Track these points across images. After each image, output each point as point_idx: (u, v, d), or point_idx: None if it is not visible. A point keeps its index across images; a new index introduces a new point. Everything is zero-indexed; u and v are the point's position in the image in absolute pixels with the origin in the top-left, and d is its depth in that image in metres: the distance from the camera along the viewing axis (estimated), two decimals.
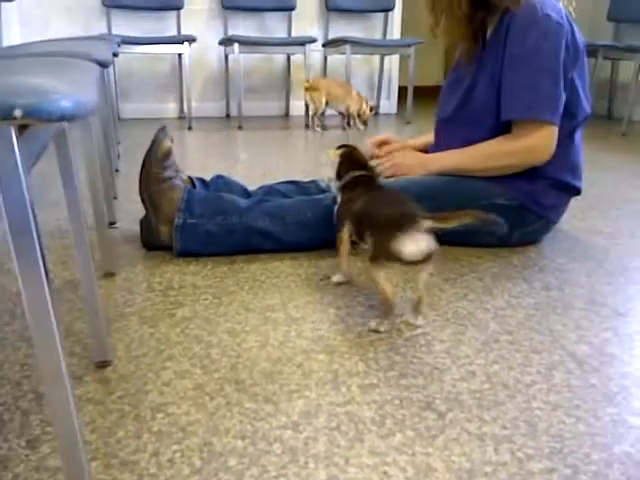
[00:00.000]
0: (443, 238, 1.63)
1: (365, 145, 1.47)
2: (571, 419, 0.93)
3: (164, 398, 0.97)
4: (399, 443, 0.87)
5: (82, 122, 1.51)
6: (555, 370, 1.07)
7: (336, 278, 1.43)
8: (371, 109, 4.12)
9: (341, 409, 0.94)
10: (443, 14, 1.57)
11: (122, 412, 0.93)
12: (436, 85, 5.17)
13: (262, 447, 0.86)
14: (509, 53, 1.52)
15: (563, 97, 1.50)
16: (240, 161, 2.94)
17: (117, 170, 2.57)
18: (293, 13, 4.50)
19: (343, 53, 4.20)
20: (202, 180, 1.78)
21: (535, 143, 1.53)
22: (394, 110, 4.99)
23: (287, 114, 4.73)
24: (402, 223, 1.14)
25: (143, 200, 1.62)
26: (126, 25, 4.20)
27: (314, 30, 4.60)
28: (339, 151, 1.46)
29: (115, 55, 2.06)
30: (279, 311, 1.28)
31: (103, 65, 1.42)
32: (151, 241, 1.62)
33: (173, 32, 4.32)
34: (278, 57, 4.62)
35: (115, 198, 2.11)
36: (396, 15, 4.78)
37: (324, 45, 4.52)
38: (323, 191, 1.75)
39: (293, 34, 4.54)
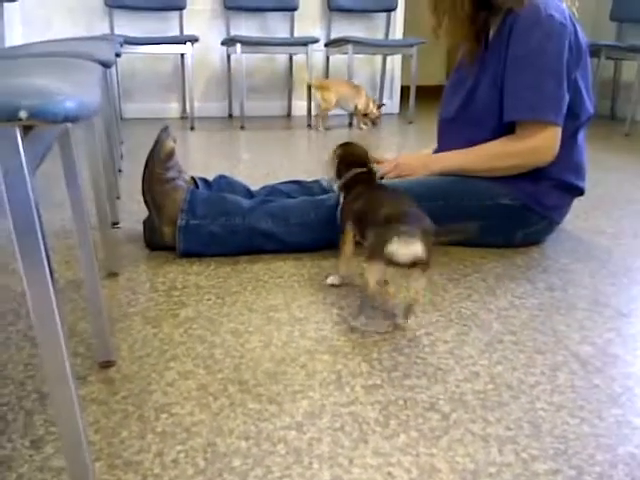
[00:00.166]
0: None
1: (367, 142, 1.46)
2: (575, 420, 0.93)
3: (168, 398, 0.97)
4: (403, 444, 0.86)
5: (85, 122, 1.51)
6: (559, 371, 1.06)
7: (330, 280, 1.42)
8: (379, 107, 4.13)
9: (345, 410, 0.94)
10: (445, 15, 1.56)
11: (126, 412, 0.93)
12: (438, 85, 5.16)
13: (266, 448, 0.86)
14: (512, 54, 1.51)
15: (567, 98, 1.50)
16: (243, 161, 2.94)
17: (120, 170, 2.57)
18: (295, 13, 4.50)
19: (345, 53, 4.20)
20: (205, 180, 1.78)
21: (539, 144, 1.53)
22: (396, 110, 4.98)
23: (289, 114, 4.73)
24: (398, 225, 1.13)
25: (146, 201, 1.62)
26: (128, 25, 4.21)
27: (316, 30, 4.60)
28: (338, 150, 1.45)
29: (118, 55, 2.06)
30: (282, 311, 1.28)
31: (106, 65, 1.42)
32: (154, 241, 1.63)
33: (175, 32, 4.33)
34: (280, 57, 4.62)
35: (118, 198, 2.11)
36: (398, 15, 4.78)
37: (326, 45, 4.51)
38: (326, 191, 1.75)
39: (295, 34, 4.54)
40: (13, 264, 1.53)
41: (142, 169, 1.63)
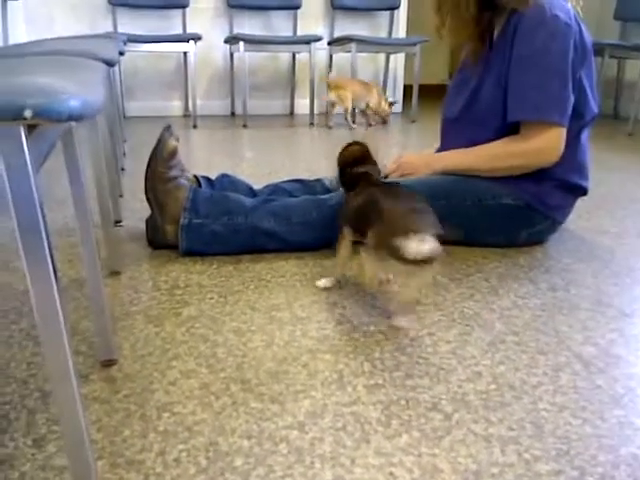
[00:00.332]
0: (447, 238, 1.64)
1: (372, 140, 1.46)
2: (577, 421, 0.92)
3: (170, 397, 0.97)
4: (405, 444, 0.86)
5: (89, 120, 1.51)
6: (561, 371, 1.06)
7: (322, 283, 1.40)
8: (390, 105, 4.15)
9: (347, 409, 0.94)
10: (449, 15, 1.56)
11: (128, 411, 0.93)
12: (441, 84, 5.16)
13: (268, 447, 0.86)
14: (516, 53, 1.51)
15: (572, 98, 1.50)
16: (245, 159, 2.94)
17: (123, 168, 2.57)
18: (298, 11, 4.50)
19: (348, 51, 4.20)
20: (208, 179, 1.78)
21: (543, 145, 1.53)
22: (399, 109, 4.98)
23: (292, 112, 4.73)
24: (413, 221, 1.12)
25: (149, 199, 1.62)
26: (131, 23, 4.21)
27: (319, 28, 4.60)
28: (342, 151, 1.44)
29: (121, 54, 2.06)
30: (285, 310, 1.28)
31: (109, 64, 1.42)
32: (157, 240, 1.63)
33: (178, 30, 4.33)
34: (283, 55, 4.62)
35: (121, 196, 2.11)
36: (402, 13, 4.78)
37: (329, 43, 4.51)
38: (328, 190, 1.75)
39: (298, 32, 4.54)
40: (15, 262, 1.53)
41: (145, 167, 1.63)
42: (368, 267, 1.16)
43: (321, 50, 4.44)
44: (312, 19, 4.59)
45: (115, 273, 1.47)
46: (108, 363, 1.06)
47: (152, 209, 1.62)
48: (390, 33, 4.78)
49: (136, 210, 1.95)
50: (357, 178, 1.38)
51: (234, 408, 0.94)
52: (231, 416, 0.92)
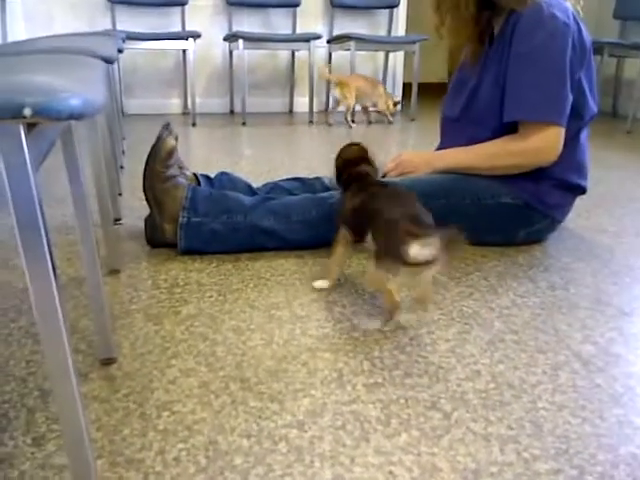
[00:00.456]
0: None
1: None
2: (577, 420, 0.93)
3: (169, 396, 0.97)
4: (405, 443, 0.87)
5: (88, 119, 1.51)
6: (560, 370, 1.06)
7: (318, 284, 1.39)
8: (395, 104, 4.15)
9: (346, 408, 0.94)
10: (449, 15, 1.56)
11: (127, 410, 0.93)
12: (441, 82, 5.15)
13: (267, 446, 0.86)
14: (515, 52, 1.51)
15: (570, 98, 1.49)
16: (244, 157, 2.93)
17: (122, 166, 2.57)
18: (298, 9, 4.50)
19: (348, 49, 4.19)
20: (207, 177, 1.78)
21: (542, 144, 1.52)
22: (398, 107, 4.97)
23: (291, 110, 4.73)
24: (411, 226, 1.12)
25: (147, 198, 1.62)
26: (130, 21, 4.20)
27: (319, 26, 4.59)
28: (339, 152, 1.44)
29: (120, 51, 2.05)
30: (284, 309, 1.28)
31: (108, 61, 1.42)
32: (156, 239, 1.62)
33: (177, 28, 4.32)
34: (282, 53, 4.62)
35: (120, 194, 2.11)
36: (401, 12, 4.77)
37: (329, 41, 4.51)
38: (328, 188, 1.75)
39: (298, 30, 4.53)
40: (14, 260, 1.53)
41: (143, 166, 1.62)
42: (386, 282, 1.16)
43: (320, 48, 4.43)
44: (311, 17, 4.59)
45: (114, 271, 1.47)
46: (107, 361, 1.06)
47: (151, 208, 1.62)
48: (389, 31, 4.78)
49: (135, 208, 1.95)
50: (355, 178, 1.38)
51: (233, 407, 0.94)
52: (230, 415, 0.92)
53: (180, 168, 1.67)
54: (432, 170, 1.63)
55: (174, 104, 4.52)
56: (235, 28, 4.35)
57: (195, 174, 1.74)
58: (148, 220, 1.64)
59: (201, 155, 3.02)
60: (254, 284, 1.41)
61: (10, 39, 3.63)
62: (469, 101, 1.64)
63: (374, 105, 4.10)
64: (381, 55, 4.84)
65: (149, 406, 0.94)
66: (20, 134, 0.59)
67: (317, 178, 1.85)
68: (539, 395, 0.99)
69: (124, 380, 1.01)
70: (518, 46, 1.50)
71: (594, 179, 1.81)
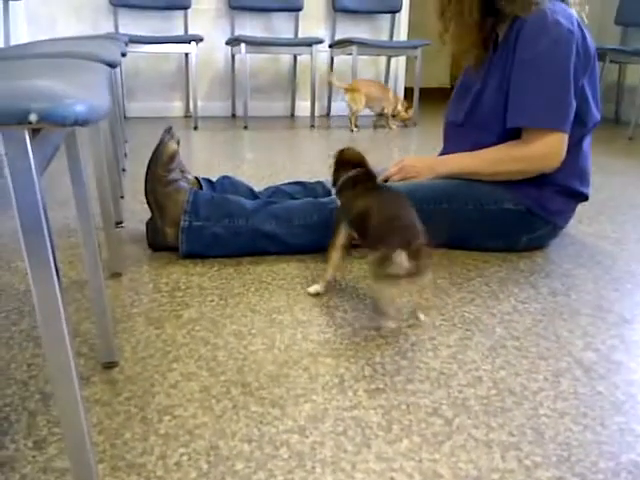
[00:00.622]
0: (448, 243, 1.64)
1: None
2: (578, 427, 0.92)
3: (171, 400, 0.97)
4: (406, 449, 0.86)
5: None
6: (562, 377, 1.06)
7: (313, 289, 1.39)
8: (407, 109, 4.16)
9: (348, 414, 0.94)
10: (453, 21, 1.56)
11: (129, 414, 0.93)
12: (442, 87, 5.16)
13: (269, 451, 0.86)
14: (518, 58, 1.51)
15: (574, 104, 1.50)
16: (246, 161, 2.94)
17: (124, 169, 2.57)
18: (300, 13, 4.50)
19: (350, 54, 4.20)
20: (209, 181, 1.78)
21: (545, 150, 1.53)
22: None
23: (293, 114, 4.73)
24: (399, 239, 1.13)
25: (149, 202, 1.62)
26: (133, 24, 4.21)
27: (321, 31, 4.60)
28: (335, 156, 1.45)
29: (123, 55, 2.06)
30: (285, 313, 1.28)
31: (112, 65, 1.42)
32: (157, 242, 1.63)
33: (180, 32, 4.33)
34: (284, 57, 4.62)
35: (122, 197, 2.11)
36: (403, 16, 4.78)
37: (331, 46, 4.51)
38: (329, 192, 1.75)
39: (300, 35, 4.54)
40: (16, 262, 1.53)
41: (145, 169, 1.63)
42: (384, 293, 1.18)
43: (322, 52, 4.44)
44: (313, 21, 4.59)
45: (116, 275, 1.47)
46: (109, 365, 1.06)
47: (152, 211, 1.62)
48: (391, 36, 4.78)
49: (137, 211, 1.95)
50: (351, 182, 1.38)
51: (235, 412, 0.94)
52: (232, 420, 0.92)
53: (182, 172, 1.67)
54: (435, 175, 1.64)
55: (176, 107, 4.52)
56: (237, 32, 4.36)
57: (197, 178, 1.74)
58: (150, 224, 1.64)
59: (203, 159, 3.03)
60: (255, 288, 1.41)
61: (13, 42, 3.63)
62: (473, 106, 1.65)
63: (382, 110, 4.11)
64: (383, 60, 4.85)
65: (150, 410, 0.94)
66: (25, 139, 0.59)
67: (318, 182, 1.85)
68: (540, 402, 0.99)
69: (125, 384, 1.01)
70: (522, 52, 1.50)
71: (596, 185, 1.81)
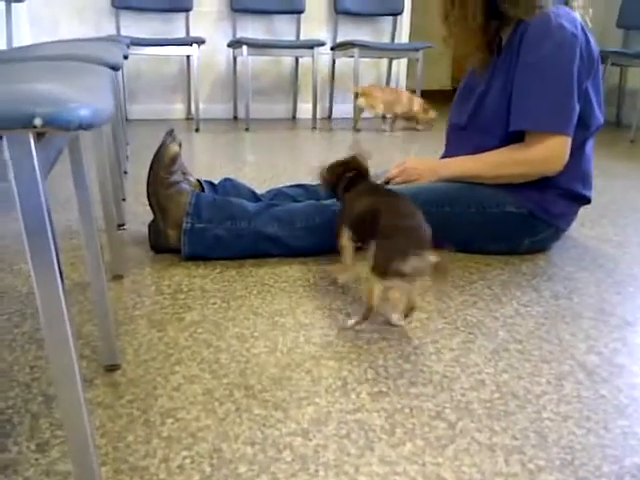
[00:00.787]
0: (451, 246, 1.64)
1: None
2: (582, 430, 0.92)
3: (173, 403, 0.97)
4: (409, 452, 0.86)
5: None
6: (565, 380, 1.06)
7: (342, 279, 1.44)
8: (426, 110, 4.16)
9: (351, 417, 0.94)
10: (457, 25, 1.56)
11: (131, 417, 0.93)
12: (444, 89, 5.16)
13: (272, 454, 0.85)
14: (522, 62, 1.51)
15: (577, 108, 1.49)
16: (247, 163, 2.94)
17: (125, 172, 2.58)
18: (302, 16, 4.51)
19: (351, 56, 4.21)
20: (211, 183, 1.78)
21: (548, 154, 1.53)
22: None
23: (294, 117, 4.73)
24: (408, 240, 1.14)
25: (151, 204, 1.62)
26: (135, 26, 4.22)
27: (322, 33, 4.60)
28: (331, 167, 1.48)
29: (125, 57, 2.06)
30: (288, 316, 1.28)
31: (114, 68, 1.42)
32: (159, 244, 1.63)
33: (182, 34, 4.33)
34: (286, 60, 4.63)
35: (124, 200, 2.11)
36: (405, 19, 4.78)
37: (332, 48, 4.52)
38: (331, 195, 1.75)
39: (302, 37, 4.54)
40: (19, 264, 1.53)
41: (147, 172, 1.63)
42: (376, 290, 1.18)
43: (324, 55, 4.45)
44: (315, 24, 4.60)
45: (118, 277, 1.47)
46: (111, 368, 1.06)
47: (154, 213, 1.63)
48: (393, 38, 4.79)
49: (139, 214, 1.95)
50: (349, 184, 1.40)
51: (237, 414, 0.94)
52: (235, 422, 0.92)
53: (184, 174, 1.67)
54: (437, 178, 1.64)
55: (178, 110, 4.53)
56: (239, 34, 4.37)
57: (199, 180, 1.75)
58: (152, 226, 1.65)
59: (204, 161, 3.03)
60: (258, 291, 1.41)
61: (15, 43, 3.64)
62: (476, 109, 1.64)
63: (397, 114, 4.12)
64: (384, 62, 4.85)
65: (153, 413, 0.94)
66: (30, 143, 0.59)
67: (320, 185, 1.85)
68: (544, 405, 0.99)
69: (128, 386, 1.01)
70: (525, 56, 1.50)
71: (598, 188, 1.81)
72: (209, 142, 3.58)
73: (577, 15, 1.53)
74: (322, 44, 4.14)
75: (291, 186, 1.87)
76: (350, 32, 4.62)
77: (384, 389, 1.02)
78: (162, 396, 0.99)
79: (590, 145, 1.63)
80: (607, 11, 4.63)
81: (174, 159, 1.63)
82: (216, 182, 1.80)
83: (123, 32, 4.16)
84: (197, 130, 3.89)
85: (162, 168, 1.61)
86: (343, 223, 1.36)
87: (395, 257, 1.11)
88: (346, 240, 1.35)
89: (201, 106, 4.09)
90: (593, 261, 1.66)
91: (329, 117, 4.77)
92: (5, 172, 0.60)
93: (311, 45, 4.11)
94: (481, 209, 1.59)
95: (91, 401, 0.96)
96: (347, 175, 1.42)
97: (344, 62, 4.54)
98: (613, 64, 4.12)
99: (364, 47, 4.17)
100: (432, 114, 4.20)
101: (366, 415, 0.95)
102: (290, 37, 4.55)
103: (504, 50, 1.59)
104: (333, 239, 1.51)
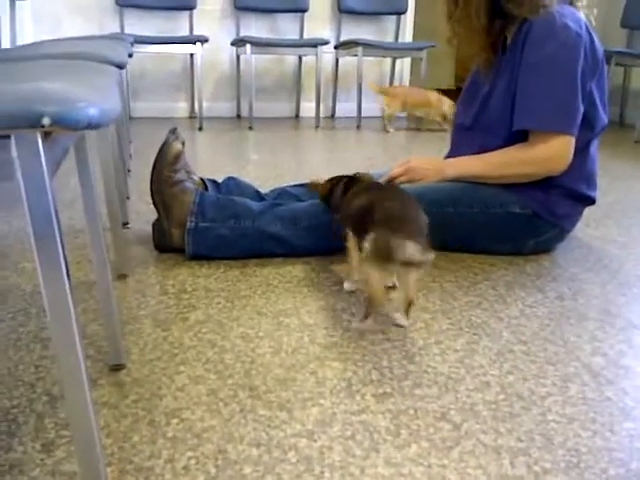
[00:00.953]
0: (455, 246, 1.64)
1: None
2: (587, 433, 0.92)
3: (178, 403, 0.97)
4: (415, 454, 0.86)
5: None
6: (570, 382, 1.06)
7: (348, 285, 1.42)
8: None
9: (356, 418, 0.94)
10: (461, 25, 1.56)
11: (137, 417, 0.93)
12: (447, 89, 5.15)
13: (277, 455, 0.85)
14: (526, 61, 1.50)
15: (581, 108, 1.49)
16: (251, 162, 2.94)
17: (129, 170, 2.57)
18: (305, 14, 4.50)
19: (355, 55, 4.20)
20: (214, 182, 1.78)
21: (552, 153, 1.52)
22: (404, 113, 4.97)
23: (297, 115, 4.73)
24: (402, 223, 1.15)
25: (155, 203, 1.62)
26: (138, 24, 4.21)
27: (326, 32, 4.59)
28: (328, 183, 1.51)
29: (130, 56, 2.06)
30: (292, 316, 1.28)
31: (120, 67, 1.42)
32: (163, 243, 1.62)
33: (185, 32, 4.33)
34: (289, 58, 4.62)
35: (127, 198, 2.11)
36: (408, 18, 4.77)
37: (336, 47, 4.51)
38: None
39: (305, 36, 4.53)
40: (23, 263, 1.53)
41: (150, 170, 1.63)
42: (374, 280, 1.17)
43: (327, 54, 4.44)
44: (319, 22, 4.59)
45: (122, 276, 1.47)
46: (116, 368, 1.06)
47: (158, 212, 1.62)
48: (397, 37, 4.78)
49: (142, 212, 1.95)
50: (345, 188, 1.42)
51: (242, 415, 0.94)
52: (239, 423, 0.92)
53: (187, 173, 1.67)
54: (442, 178, 1.63)
55: (181, 108, 4.52)
56: (243, 33, 4.36)
57: (202, 179, 1.74)
58: (156, 225, 1.64)
59: (208, 159, 3.03)
60: (262, 291, 1.41)
61: (19, 41, 3.64)
62: (481, 109, 1.64)
63: (427, 115, 4.11)
64: (388, 61, 4.84)
65: (158, 413, 0.94)
66: (37, 142, 0.59)
67: None
68: (549, 407, 0.98)
69: (133, 386, 1.01)
70: (529, 55, 1.50)
71: (602, 189, 1.81)
72: (212, 140, 3.57)
73: (582, 15, 1.53)
74: (325, 43, 4.13)
75: (295, 185, 1.87)
76: (354, 31, 4.61)
77: (389, 390, 1.02)
78: (167, 396, 0.99)
79: (595, 145, 1.62)
80: (611, 11, 4.61)
81: (177, 157, 1.63)
82: (220, 181, 1.80)
83: (127, 30, 4.16)
84: (200, 128, 3.89)
85: (165, 166, 1.61)
86: (345, 224, 1.35)
87: (391, 242, 1.12)
88: (352, 242, 1.34)
89: (204, 104, 4.09)
90: (598, 262, 1.65)
91: (332, 116, 4.76)
92: (8, 171, 0.60)
93: (314, 44, 4.11)
94: (485, 209, 1.59)
95: (96, 401, 0.96)
96: (343, 181, 1.45)
97: (347, 61, 4.53)
98: (617, 64, 4.11)
99: (368, 46, 4.16)
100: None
101: (371, 416, 0.95)
102: (293, 36, 4.54)
103: (508, 50, 1.58)
104: (336, 239, 1.50)
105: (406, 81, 4.97)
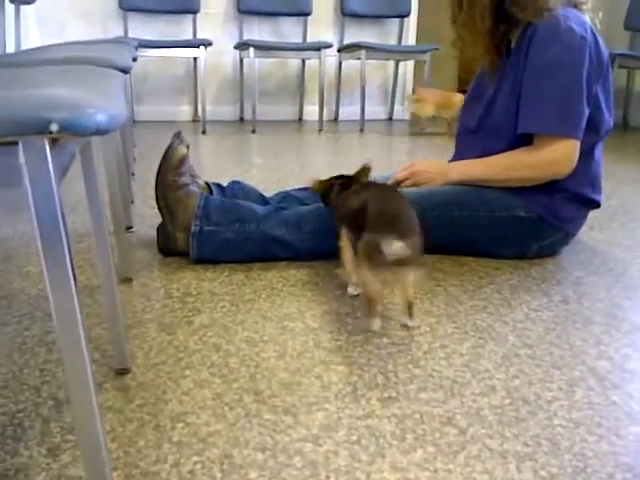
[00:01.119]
0: (459, 248, 1.64)
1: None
2: (593, 437, 0.92)
3: (183, 407, 0.97)
4: (420, 459, 0.86)
5: None
6: (576, 386, 1.06)
7: (351, 290, 1.41)
8: None
9: (361, 422, 0.94)
10: (465, 28, 1.56)
11: (142, 421, 0.93)
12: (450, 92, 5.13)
13: (282, 460, 0.85)
14: (530, 64, 1.50)
15: (586, 112, 1.49)
16: (254, 165, 2.94)
17: (133, 174, 2.58)
18: (309, 18, 4.51)
19: (358, 58, 4.21)
20: (219, 185, 1.78)
21: (557, 157, 1.52)
22: (406, 117, 4.98)
23: (301, 119, 4.74)
24: (392, 223, 1.17)
25: (159, 207, 1.62)
26: (142, 28, 4.23)
27: (329, 35, 4.61)
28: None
29: (134, 60, 2.06)
30: (297, 320, 1.28)
31: (124, 71, 1.42)
32: (167, 247, 1.63)
33: (189, 36, 4.34)
34: (293, 62, 4.63)
35: (132, 202, 2.12)
36: (412, 21, 4.78)
37: (339, 50, 4.52)
38: None
39: (308, 39, 4.55)
40: (27, 267, 1.53)
41: (155, 174, 1.63)
42: (369, 279, 1.18)
43: (331, 57, 4.45)
44: (322, 26, 4.60)
45: (127, 280, 1.47)
46: (121, 372, 1.06)
47: (163, 216, 1.63)
48: (400, 40, 4.79)
49: (146, 216, 1.95)
50: (341, 188, 1.43)
51: (248, 419, 0.94)
52: (245, 428, 0.92)
53: (192, 176, 1.67)
54: (446, 181, 1.63)
55: (184, 111, 4.54)
56: (246, 36, 4.37)
57: (207, 183, 1.75)
58: (160, 228, 1.65)
59: (211, 163, 3.03)
60: (266, 294, 1.41)
61: (23, 46, 3.65)
62: (486, 112, 1.64)
63: (451, 117, 4.12)
64: (391, 64, 4.85)
65: (163, 417, 0.94)
66: (45, 149, 0.59)
67: None
68: (555, 411, 0.98)
69: (138, 391, 1.01)
70: (534, 59, 1.50)
71: (606, 192, 1.81)
72: (216, 144, 3.58)
73: (586, 18, 1.53)
74: (329, 46, 4.14)
75: (299, 189, 1.87)
76: (357, 34, 4.62)
77: (394, 394, 1.02)
78: (172, 400, 0.99)
79: (599, 149, 1.62)
80: (614, 13, 4.61)
81: (182, 161, 1.63)
82: (224, 185, 1.80)
83: (131, 34, 4.18)
84: (204, 132, 3.90)
85: (170, 170, 1.61)
86: (340, 223, 1.36)
87: (379, 241, 1.13)
88: (345, 241, 1.34)
89: (208, 108, 4.10)
90: (602, 265, 1.65)
91: (335, 119, 4.77)
92: (15, 178, 0.60)
93: (318, 47, 4.12)
94: (490, 213, 1.59)
95: (101, 405, 0.96)
96: (340, 181, 1.46)
97: (351, 64, 4.54)
98: (620, 66, 4.11)
99: (371, 49, 4.17)
100: None
101: (376, 421, 0.94)
102: (297, 39, 4.56)
103: (513, 53, 1.58)
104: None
105: (409, 84, 4.98)
